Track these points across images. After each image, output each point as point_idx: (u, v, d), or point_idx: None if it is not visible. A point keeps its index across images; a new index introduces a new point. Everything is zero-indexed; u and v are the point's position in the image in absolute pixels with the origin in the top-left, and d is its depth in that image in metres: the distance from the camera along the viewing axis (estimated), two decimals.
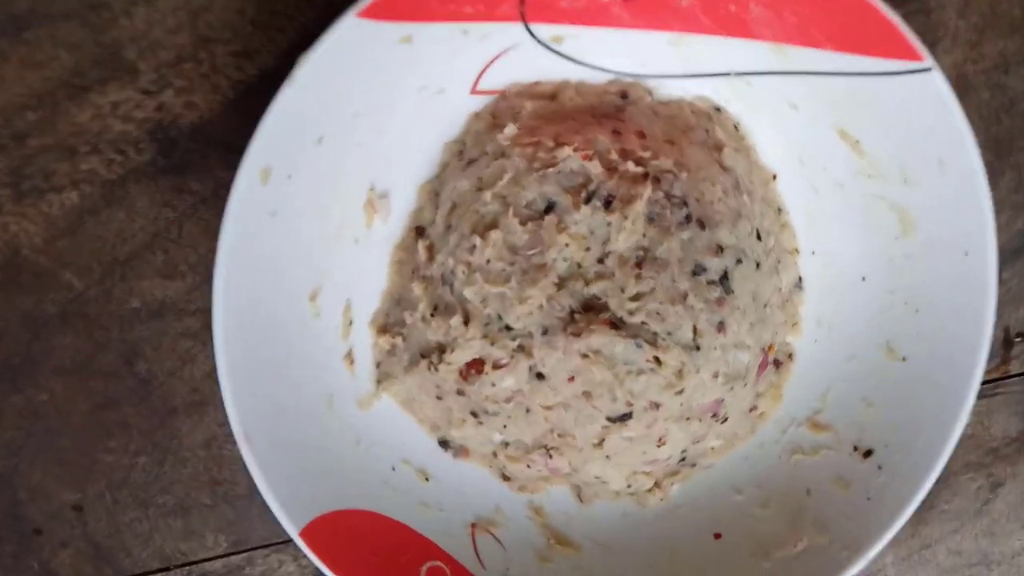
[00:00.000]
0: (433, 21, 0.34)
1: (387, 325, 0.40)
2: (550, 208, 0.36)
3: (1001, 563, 0.46)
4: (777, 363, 0.42)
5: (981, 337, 0.35)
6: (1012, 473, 0.45)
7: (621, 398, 0.37)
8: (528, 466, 0.41)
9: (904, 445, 0.37)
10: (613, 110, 0.38)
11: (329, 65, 0.32)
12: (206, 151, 0.39)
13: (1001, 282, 0.40)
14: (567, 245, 0.36)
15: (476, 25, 0.35)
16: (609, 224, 0.36)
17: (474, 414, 0.39)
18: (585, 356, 0.36)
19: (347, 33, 0.31)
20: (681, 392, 0.38)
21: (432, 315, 0.38)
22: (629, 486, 0.42)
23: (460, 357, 0.37)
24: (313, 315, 0.37)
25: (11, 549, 0.42)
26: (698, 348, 0.37)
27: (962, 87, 0.41)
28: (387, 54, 0.34)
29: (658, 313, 0.36)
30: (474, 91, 0.38)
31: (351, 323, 0.39)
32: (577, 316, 0.37)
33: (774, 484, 0.40)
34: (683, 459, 0.42)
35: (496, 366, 0.37)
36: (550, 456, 0.40)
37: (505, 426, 0.39)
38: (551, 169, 0.36)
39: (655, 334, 0.36)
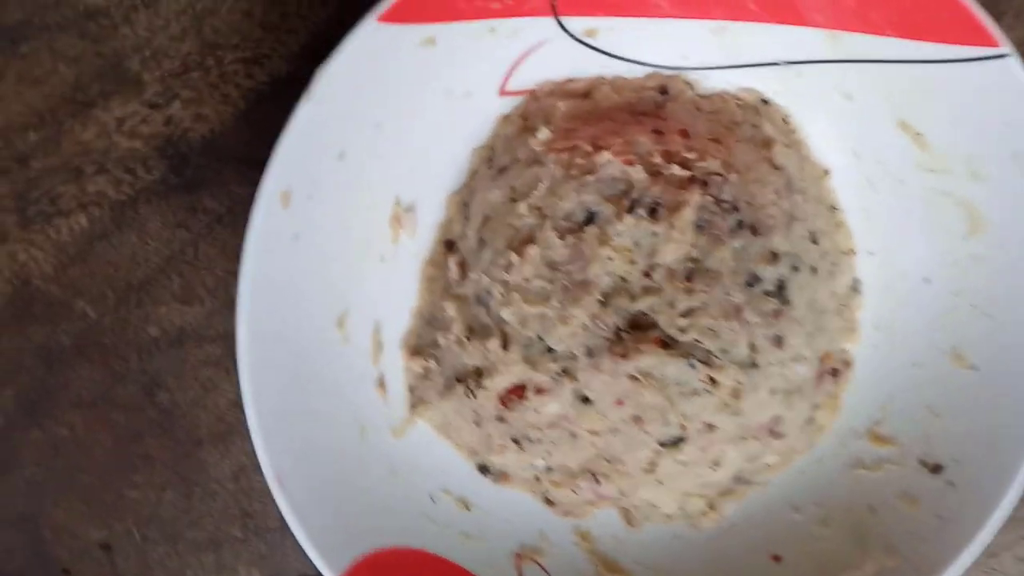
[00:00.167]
0: (458, 20, 0.32)
1: (419, 347, 0.38)
2: (591, 219, 0.34)
3: None
4: (834, 372, 0.40)
5: None
6: None
7: (674, 421, 0.36)
8: (574, 492, 0.39)
9: (977, 460, 0.35)
10: (653, 107, 0.36)
11: (349, 75, 0.30)
12: (219, 166, 0.38)
13: None
14: (610, 259, 0.34)
15: (504, 21, 0.33)
16: (655, 234, 0.34)
17: (515, 440, 0.38)
18: (634, 378, 0.35)
19: (367, 40, 0.30)
20: (738, 412, 0.36)
21: (468, 337, 0.36)
22: (681, 509, 0.40)
23: (499, 383, 0.36)
24: (342, 341, 0.36)
25: None
26: (755, 365, 0.35)
27: None
28: (410, 59, 0.32)
29: (711, 329, 0.34)
30: (503, 92, 0.36)
31: (381, 346, 0.38)
32: (624, 335, 0.35)
33: (834, 501, 0.38)
34: (737, 477, 0.40)
35: (538, 391, 0.35)
36: (597, 482, 0.38)
37: (549, 452, 0.37)
38: (590, 176, 0.34)
39: (709, 352, 0.34)
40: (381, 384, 0.38)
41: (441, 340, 0.37)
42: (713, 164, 0.35)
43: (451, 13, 0.31)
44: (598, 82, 0.36)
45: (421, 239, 0.37)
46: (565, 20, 0.34)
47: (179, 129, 0.38)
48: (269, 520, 0.42)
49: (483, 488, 0.39)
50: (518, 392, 0.36)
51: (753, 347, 0.35)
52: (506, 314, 0.35)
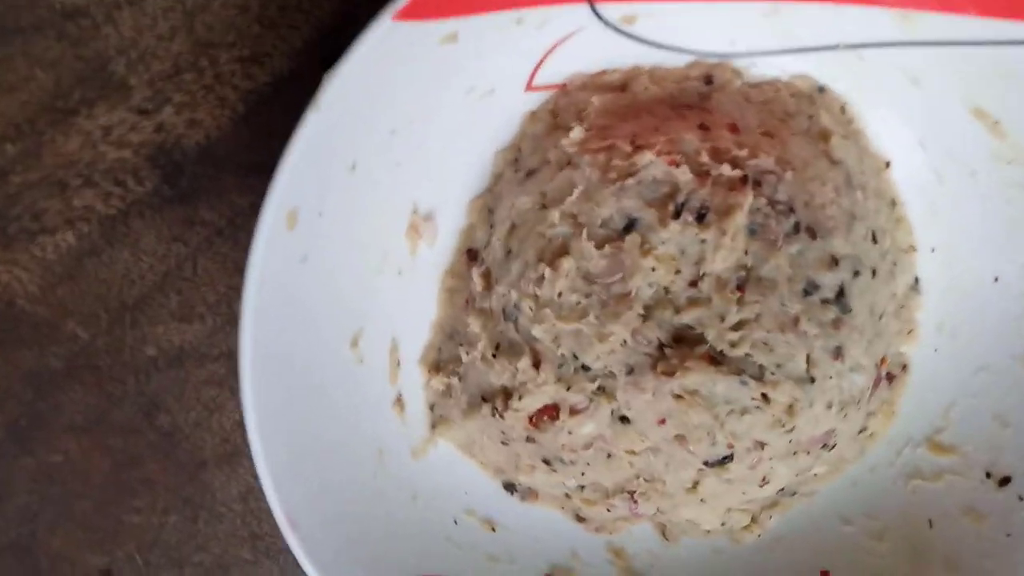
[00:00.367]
0: (482, 12, 0.29)
1: (439, 362, 0.37)
2: (631, 226, 0.32)
3: None
4: (890, 377, 0.38)
5: None
6: None
7: (721, 441, 0.34)
8: (608, 510, 0.38)
9: None
10: (697, 99, 0.34)
11: (360, 80, 0.28)
12: (217, 175, 0.36)
13: None
14: (653, 270, 0.32)
15: (533, 11, 0.30)
16: (703, 241, 0.32)
17: (546, 462, 0.36)
18: (679, 397, 0.33)
19: (381, 41, 0.27)
20: (791, 430, 0.34)
21: (494, 355, 0.34)
22: (723, 524, 0.39)
23: (530, 404, 0.34)
24: (356, 362, 0.34)
25: None
26: (812, 380, 0.34)
27: None
28: (428, 57, 0.30)
29: (765, 343, 0.33)
30: (529, 88, 0.33)
31: (399, 364, 0.36)
32: (667, 351, 0.33)
33: (889, 514, 0.37)
34: (783, 489, 0.38)
35: (573, 412, 0.34)
36: (635, 501, 0.37)
37: (583, 473, 0.36)
38: (630, 179, 0.32)
39: (762, 368, 0.33)
40: (399, 404, 0.36)
41: (464, 356, 0.35)
42: (766, 161, 0.32)
43: (474, 5, 0.29)
44: (635, 73, 0.34)
45: (441, 248, 0.35)
46: (600, 7, 0.31)
47: (172, 136, 0.36)
48: (280, 541, 0.40)
49: (509, 507, 0.38)
50: (550, 413, 0.34)
51: (810, 360, 0.33)
52: (537, 332, 0.33)
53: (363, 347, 0.34)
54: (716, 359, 0.33)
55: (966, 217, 0.35)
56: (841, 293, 0.34)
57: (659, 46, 0.33)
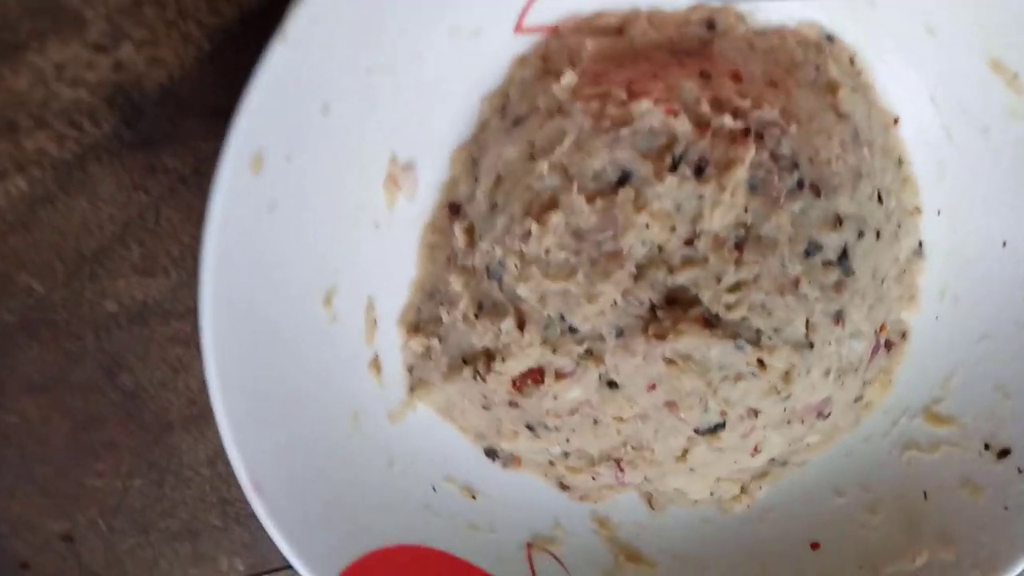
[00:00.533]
0: None
1: (419, 323, 0.35)
2: (624, 179, 0.30)
3: None
4: (889, 344, 0.37)
5: None
6: None
7: (713, 408, 0.33)
8: (593, 478, 0.37)
9: None
10: (698, 45, 0.32)
11: (334, 11, 0.25)
12: (180, 119, 0.34)
13: None
14: (647, 226, 0.30)
15: None
16: (701, 197, 0.30)
17: (529, 427, 0.35)
18: (671, 362, 0.32)
19: None
20: (787, 397, 0.33)
21: (476, 315, 0.33)
22: (712, 494, 0.38)
23: (514, 367, 0.33)
24: (329, 321, 0.32)
25: None
26: (811, 346, 0.32)
27: None
28: None
29: (763, 306, 0.31)
30: (519, 29, 0.31)
31: (375, 323, 0.34)
32: (660, 313, 0.31)
33: (883, 485, 0.36)
34: (775, 458, 0.38)
35: (558, 375, 0.33)
36: (621, 469, 0.36)
37: (568, 440, 0.35)
38: (625, 129, 0.30)
39: (759, 332, 0.32)
40: (375, 365, 0.34)
41: (445, 316, 0.34)
42: (770, 113, 0.31)
43: None
44: (633, 16, 0.31)
45: (421, 201, 0.33)
46: None
47: (131, 75, 0.33)
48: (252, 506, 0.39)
49: (491, 474, 0.37)
50: (534, 376, 0.33)
51: (810, 325, 0.32)
52: (523, 291, 0.32)
53: (337, 305, 0.33)
54: (711, 322, 0.31)
55: (975, 177, 0.34)
56: (844, 255, 0.32)
57: None
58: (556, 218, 0.30)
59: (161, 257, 0.36)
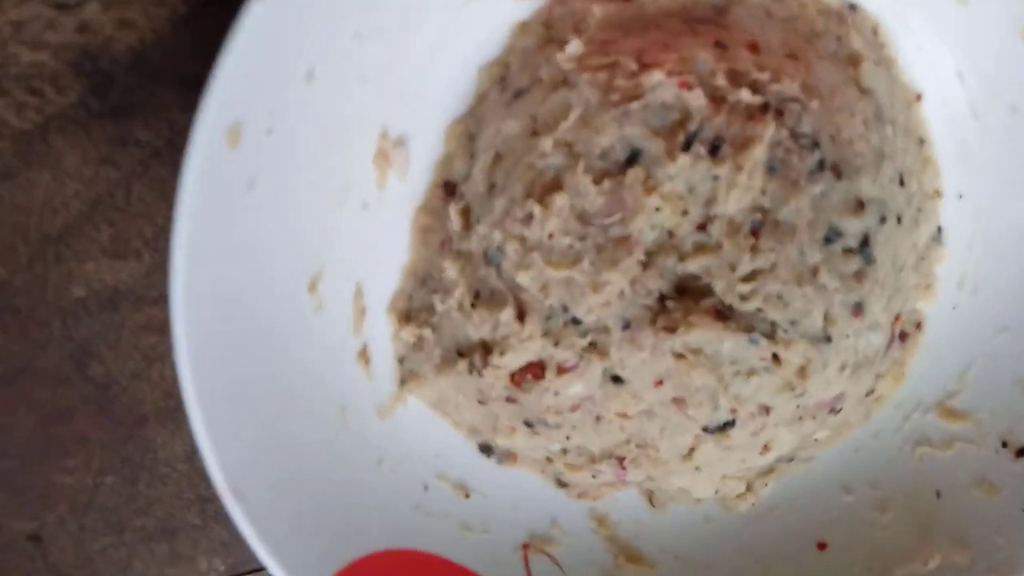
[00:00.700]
0: None
1: (410, 311, 0.34)
2: (634, 158, 0.29)
3: None
4: (903, 335, 0.36)
5: None
6: None
7: (724, 405, 0.32)
8: (593, 476, 0.36)
9: None
10: (712, 13, 0.31)
11: None
12: (153, 87, 0.33)
13: None
14: (658, 209, 0.29)
15: None
16: (716, 178, 0.29)
17: (528, 424, 0.34)
18: (680, 356, 0.31)
19: None
20: (801, 393, 0.32)
21: (473, 304, 0.32)
22: (716, 492, 0.37)
23: (512, 360, 0.32)
24: (314, 309, 0.32)
25: None
26: (828, 340, 0.31)
27: None
28: None
29: (780, 297, 0.30)
30: None
31: (364, 312, 0.33)
32: (669, 303, 0.30)
33: (894, 483, 0.36)
34: (782, 456, 0.37)
35: (560, 370, 0.32)
36: (623, 467, 0.35)
37: (568, 437, 0.34)
38: (635, 103, 0.29)
39: (774, 325, 0.31)
40: (364, 357, 0.34)
41: (439, 304, 0.33)
42: (790, 87, 0.30)
43: None
44: None
45: (413, 181, 0.33)
46: None
47: (99, 38, 0.32)
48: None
49: (485, 471, 0.36)
50: (534, 371, 0.32)
51: (828, 317, 0.31)
52: (523, 279, 0.31)
53: (323, 291, 0.32)
54: (723, 314, 0.31)
55: (1001, 159, 0.33)
56: (865, 242, 0.31)
57: None
58: (560, 200, 0.30)
59: (132, 238, 0.35)
